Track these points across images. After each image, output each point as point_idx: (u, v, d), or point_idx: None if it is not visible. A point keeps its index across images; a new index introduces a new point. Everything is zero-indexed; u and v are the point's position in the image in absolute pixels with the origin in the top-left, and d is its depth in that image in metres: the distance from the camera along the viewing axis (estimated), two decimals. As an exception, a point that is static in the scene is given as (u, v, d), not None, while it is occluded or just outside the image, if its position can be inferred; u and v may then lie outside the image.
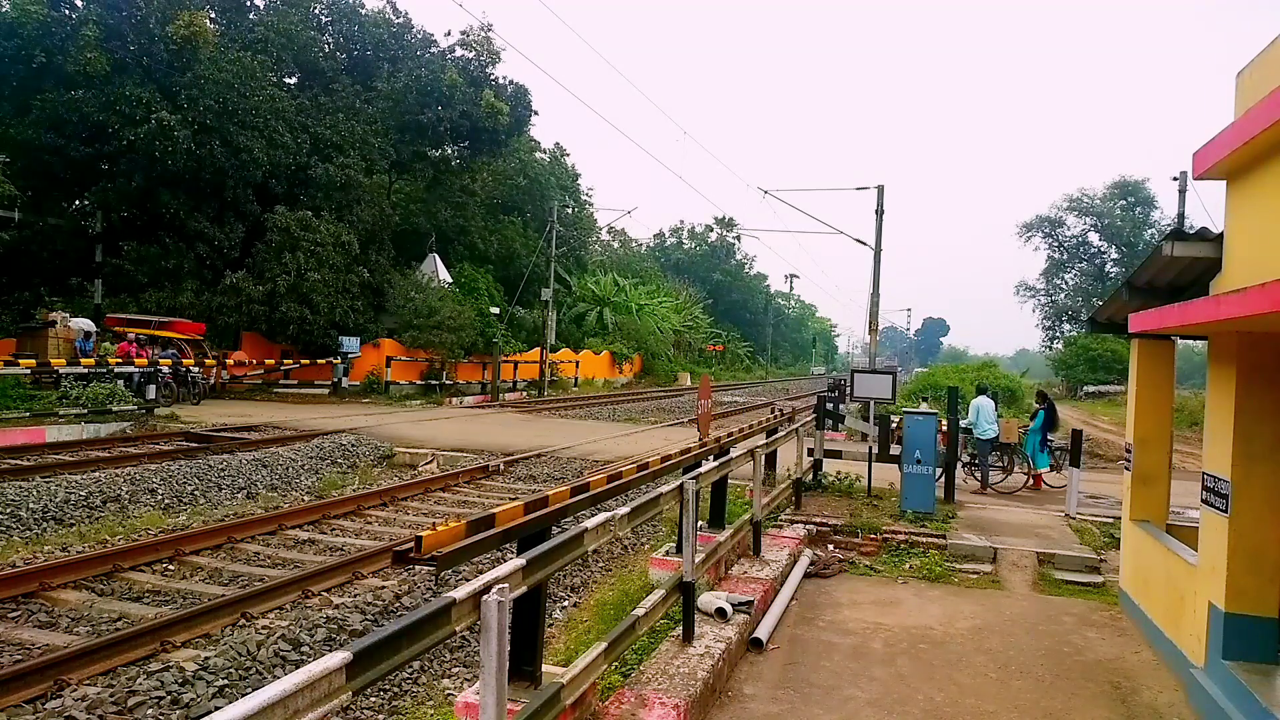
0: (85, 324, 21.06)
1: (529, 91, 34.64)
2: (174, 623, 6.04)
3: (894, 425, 12.57)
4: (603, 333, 47.11)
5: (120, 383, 18.56)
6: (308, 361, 27.85)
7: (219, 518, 10.03)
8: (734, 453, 8.03)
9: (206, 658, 5.56)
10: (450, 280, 33.46)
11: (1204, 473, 5.18)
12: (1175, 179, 28.18)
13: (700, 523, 6.66)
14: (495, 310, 33.52)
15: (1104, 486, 13.12)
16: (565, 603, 7.69)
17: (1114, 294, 7.80)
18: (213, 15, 28.56)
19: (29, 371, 17.66)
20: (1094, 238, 59.35)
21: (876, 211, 23.53)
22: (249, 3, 30.94)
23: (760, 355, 75.59)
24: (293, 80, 32.03)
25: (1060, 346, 54.71)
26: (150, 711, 4.91)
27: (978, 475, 12.81)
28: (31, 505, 9.57)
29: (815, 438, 12.10)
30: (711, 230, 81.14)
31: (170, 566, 7.97)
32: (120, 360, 19.47)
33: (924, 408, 12.41)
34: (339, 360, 27.22)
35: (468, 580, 3.13)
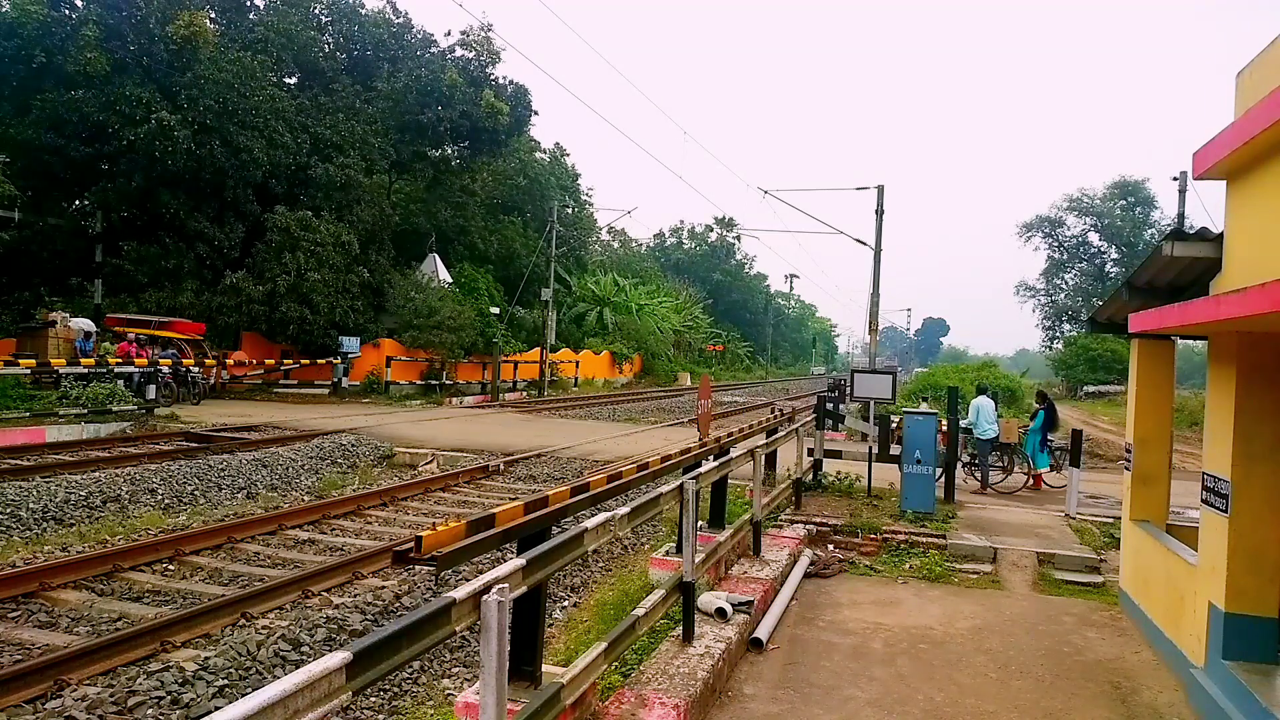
0: (85, 324, 21.06)
1: (529, 91, 34.67)
2: (174, 623, 6.04)
3: (894, 425, 12.56)
4: (603, 333, 47.11)
5: (120, 383, 18.56)
6: (308, 361, 27.85)
7: (219, 518, 10.03)
8: (734, 453, 8.03)
9: (206, 658, 5.56)
10: (450, 280, 33.46)
11: (1204, 473, 5.18)
12: (1175, 179, 28.19)
13: (700, 523, 6.66)
14: (495, 310, 33.52)
15: (1104, 486, 13.11)
16: (565, 603, 7.69)
17: (1114, 294, 7.80)
18: (213, 15, 28.56)
19: (29, 371, 17.66)
20: (1094, 238, 59.39)
21: (876, 211, 23.53)
22: (249, 3, 30.94)
23: (760, 355, 75.60)
24: (293, 80, 32.04)
25: (1060, 346, 54.72)
26: (150, 711, 4.91)
27: (978, 475, 12.81)
28: (31, 505, 9.57)
29: (815, 438, 12.10)
30: (711, 230, 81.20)
31: (170, 566, 7.97)
32: (120, 360, 19.47)
33: (924, 408, 12.40)
34: (339, 360, 27.22)
35: (468, 580, 3.13)
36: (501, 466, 13.90)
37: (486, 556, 6.69)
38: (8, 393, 16.77)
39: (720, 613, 5.79)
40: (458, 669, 6.18)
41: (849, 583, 7.87)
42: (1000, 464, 13.34)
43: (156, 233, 26.44)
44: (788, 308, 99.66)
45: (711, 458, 7.43)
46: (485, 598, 2.77)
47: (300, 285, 26.08)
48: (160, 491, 10.93)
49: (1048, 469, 13.17)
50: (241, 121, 25.93)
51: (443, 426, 19.26)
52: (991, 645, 6.21)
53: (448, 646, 6.35)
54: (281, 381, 28.06)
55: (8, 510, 9.30)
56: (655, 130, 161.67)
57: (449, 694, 5.60)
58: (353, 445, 15.29)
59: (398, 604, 7.09)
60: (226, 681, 5.34)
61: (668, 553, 7.02)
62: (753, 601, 6.20)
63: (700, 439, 8.98)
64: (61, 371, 18.10)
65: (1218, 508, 4.92)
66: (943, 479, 10.73)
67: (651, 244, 78.58)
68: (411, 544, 3.40)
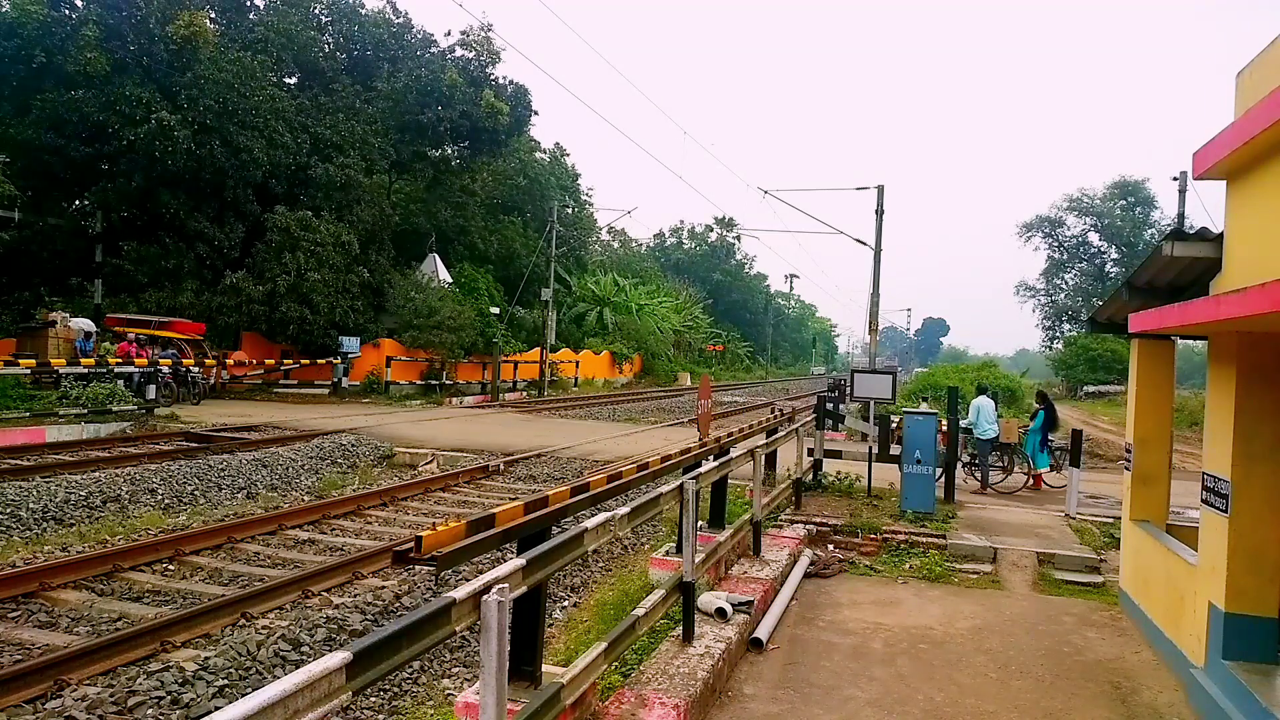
0: (85, 324, 21.06)
1: (529, 91, 34.67)
2: (174, 623, 6.04)
3: (894, 425, 12.56)
4: (603, 333, 47.11)
5: (120, 383, 18.56)
6: (308, 361, 27.85)
7: (219, 518, 10.03)
8: (734, 453, 8.03)
9: (206, 658, 5.56)
10: (450, 280, 33.46)
11: (1204, 473, 5.18)
12: (1175, 179, 28.19)
13: (700, 523, 6.66)
14: (495, 310, 33.52)
15: (1104, 486, 13.11)
16: (565, 603, 7.69)
17: (1114, 294, 7.80)
18: (213, 15, 28.56)
19: (29, 371, 17.66)
20: (1094, 238, 59.40)
21: (876, 211, 23.53)
22: (249, 3, 30.94)
23: (760, 355, 75.60)
24: (293, 80, 32.04)
25: (1060, 346, 54.73)
26: (150, 711, 4.91)
27: (978, 475, 12.81)
28: (31, 505, 9.57)
29: (815, 438, 12.10)
30: (711, 230, 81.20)
31: (170, 566, 7.97)
32: (120, 360, 19.47)
33: (924, 408, 12.41)
34: (339, 360, 27.22)
35: (468, 580, 3.13)
36: (501, 466, 13.90)
37: (486, 556, 6.69)
38: (8, 393, 16.77)
39: (720, 613, 5.79)
40: (458, 669, 6.18)
41: (849, 583, 7.87)
42: (1000, 464, 13.34)
43: (156, 233, 26.44)
44: (788, 308, 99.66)
45: (711, 458, 7.43)
46: (485, 598, 2.77)
47: (300, 285, 26.08)
48: (160, 491, 10.93)
49: (1048, 469, 13.17)
50: (241, 121, 25.93)
51: (443, 426, 19.26)
52: (991, 645, 6.21)
53: (448, 646, 6.35)
54: (281, 381, 28.06)
55: (8, 510, 9.30)
56: (655, 130, 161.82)
57: (449, 694, 5.60)
58: (353, 445, 15.29)
59: (398, 604, 7.09)
60: (226, 681, 5.34)
61: (668, 553, 7.02)
62: (753, 601, 6.20)
63: (700, 439, 8.98)
64: (61, 371, 18.10)
65: (1218, 508, 4.92)
66: (943, 479, 10.73)
67: (651, 244, 78.62)
68: (411, 544, 3.40)
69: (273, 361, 28.13)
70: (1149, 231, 55.48)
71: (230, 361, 26.13)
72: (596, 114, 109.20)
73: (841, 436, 16.19)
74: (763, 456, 7.73)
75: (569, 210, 43.76)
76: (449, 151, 35.17)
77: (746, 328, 79.32)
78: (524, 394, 33.00)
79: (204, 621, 6.22)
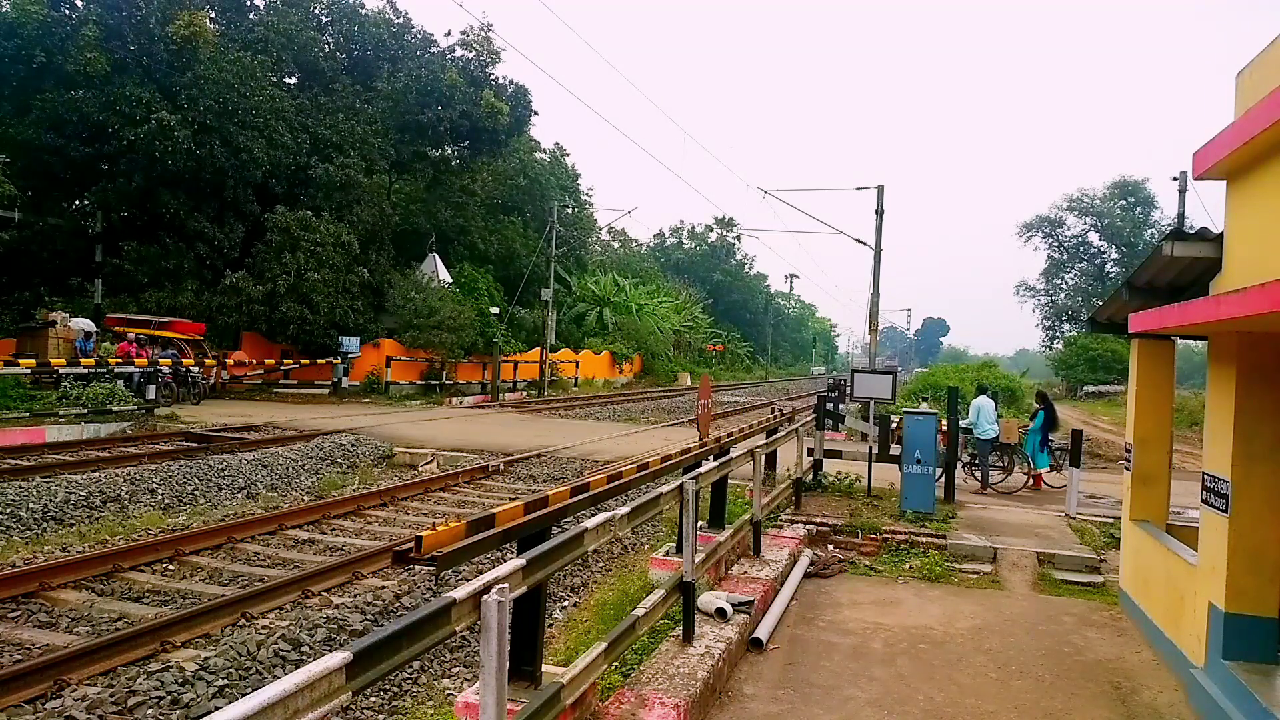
0: (85, 324, 21.06)
1: (529, 91, 34.67)
2: (174, 623, 6.04)
3: (894, 425, 12.56)
4: (603, 333, 47.12)
5: (120, 383, 18.56)
6: (308, 361, 27.85)
7: (219, 518, 10.03)
8: (734, 453, 8.03)
9: (206, 658, 5.56)
10: (450, 280, 33.46)
11: (1204, 473, 5.18)
12: (1175, 179, 28.19)
13: (700, 523, 6.66)
14: (495, 310, 33.53)
15: (1104, 486, 13.12)
16: (565, 603, 7.69)
17: (1114, 294, 7.80)
18: (213, 15, 28.57)
19: (29, 371, 17.66)
20: (1094, 238, 59.42)
21: (876, 211, 23.53)
22: (249, 3, 30.95)
23: (760, 355, 75.60)
24: (293, 80, 32.03)
25: (1060, 346, 54.73)
26: (150, 711, 4.91)
27: (978, 475, 12.81)
28: (31, 505, 9.57)
29: (815, 438, 12.10)
30: (711, 230, 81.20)
31: (170, 566, 7.97)
32: (120, 360, 19.47)
33: (924, 408, 12.41)
34: (339, 360, 27.22)
35: (468, 580, 3.13)
36: (501, 466, 13.90)
37: (486, 556, 6.69)
38: (8, 393, 16.77)
39: (720, 613, 5.79)
40: (458, 669, 6.18)
41: (849, 583, 7.87)
42: (1000, 464, 13.34)
43: (156, 233, 26.44)
44: (788, 308, 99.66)
45: (711, 458, 7.43)
46: (485, 598, 2.77)
47: (300, 285, 26.08)
48: (160, 491, 10.93)
49: (1048, 469, 13.17)
50: (241, 121, 25.93)
51: (443, 426, 19.26)
52: (991, 645, 6.21)
53: (448, 646, 6.35)
54: (281, 381, 28.07)
55: (8, 510, 9.30)
56: (655, 130, 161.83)
57: (449, 694, 5.60)
58: (353, 445, 15.29)
59: (398, 604, 7.09)
60: (226, 681, 5.34)
61: (668, 553, 7.02)
62: (753, 601, 6.20)
63: (700, 439, 8.98)
64: (61, 371, 18.10)
65: (1218, 508, 4.92)
66: (943, 479, 10.73)
67: (651, 244, 78.63)
68: (411, 544, 3.40)
69: (273, 361, 28.13)
70: (1149, 231, 55.50)
71: (230, 361, 26.13)
72: (596, 114, 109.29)
73: (841, 436, 16.19)
74: (763, 456, 7.73)
75: (569, 210, 43.76)
76: (449, 151, 35.17)
77: (746, 328, 79.33)
78: (524, 394, 33.00)
79: (204, 621, 6.22)
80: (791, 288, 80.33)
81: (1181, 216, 28.49)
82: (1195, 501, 5.63)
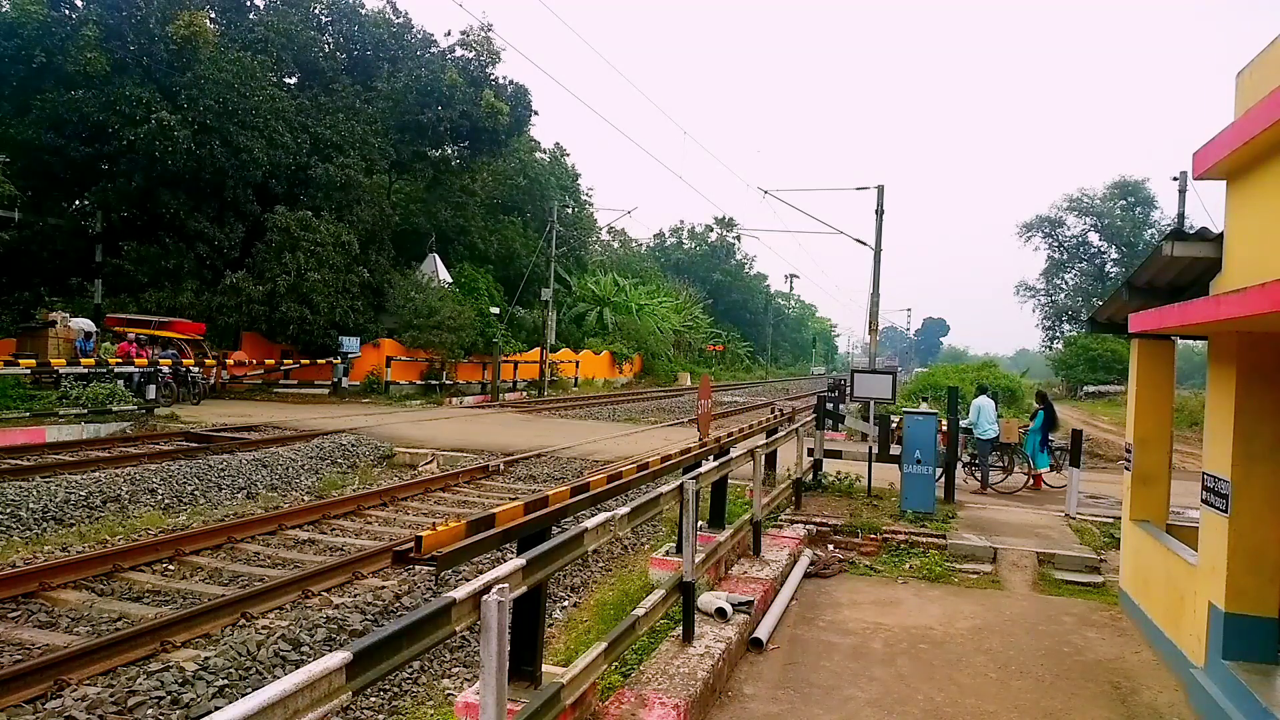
0: (85, 324, 21.06)
1: (529, 91, 34.67)
2: (174, 623, 6.04)
3: (894, 425, 12.56)
4: (603, 333, 47.12)
5: (120, 383, 18.56)
6: (308, 361, 27.85)
7: (219, 518, 10.03)
8: (734, 453, 8.03)
9: (206, 658, 5.56)
10: (450, 280, 33.47)
11: (1204, 473, 5.18)
12: (1175, 179, 28.19)
13: (700, 523, 6.66)
14: (495, 310, 33.53)
15: (1104, 486, 13.12)
16: (565, 603, 7.69)
17: (1114, 294, 7.80)
18: (213, 15, 28.57)
19: (29, 371, 17.66)
20: (1094, 238, 59.43)
21: (876, 211, 23.53)
22: (249, 3, 30.96)
23: (760, 355, 75.61)
24: (293, 80, 32.04)
25: (1060, 346, 54.74)
26: (150, 711, 4.91)
27: (978, 475, 12.81)
28: (31, 505, 9.57)
29: (815, 438, 12.10)
30: (711, 230, 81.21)
31: (170, 566, 7.97)
32: (120, 360, 19.47)
33: (924, 408, 12.41)
34: (339, 360, 27.22)
35: (468, 580, 3.13)
36: (501, 466, 13.90)
37: (486, 556, 6.69)
38: (8, 393, 16.77)
39: (720, 613, 5.79)
40: (458, 669, 6.19)
41: (849, 583, 7.87)
42: (1000, 464, 13.34)
43: (156, 233, 26.44)
44: (788, 308, 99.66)
45: (711, 458, 7.43)
46: (485, 598, 2.77)
47: (300, 285, 26.08)
48: (160, 491, 10.93)
49: (1048, 469, 13.17)
50: (241, 121, 25.93)
51: (443, 426, 19.26)
52: (991, 645, 6.21)
53: (448, 646, 6.35)
54: (281, 381, 28.06)
55: (8, 510, 9.30)
56: (655, 130, 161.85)
57: (449, 694, 5.60)
58: (353, 445, 15.29)
59: (398, 604, 7.09)
60: (226, 681, 5.34)
61: (668, 553, 7.02)
62: (753, 601, 6.20)
63: (700, 439, 8.98)
64: (61, 371, 18.10)
65: (1218, 508, 4.92)
66: (943, 479, 10.73)
67: (651, 244, 78.64)
68: (411, 544, 3.40)
69: (273, 361, 28.13)
70: (1149, 231, 55.51)
71: (230, 361, 26.13)
72: (596, 114, 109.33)
73: (841, 436, 16.19)
74: (763, 456, 7.73)
75: (569, 210, 43.76)
76: (449, 151, 35.17)
77: (746, 328, 79.34)
78: (524, 394, 33.00)
79: (204, 621, 6.22)
80: (791, 288, 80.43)
81: (1181, 216, 28.49)
82: (1195, 501, 5.63)
